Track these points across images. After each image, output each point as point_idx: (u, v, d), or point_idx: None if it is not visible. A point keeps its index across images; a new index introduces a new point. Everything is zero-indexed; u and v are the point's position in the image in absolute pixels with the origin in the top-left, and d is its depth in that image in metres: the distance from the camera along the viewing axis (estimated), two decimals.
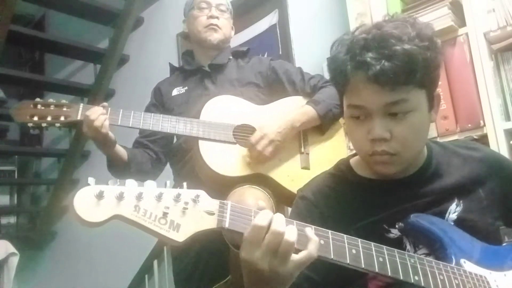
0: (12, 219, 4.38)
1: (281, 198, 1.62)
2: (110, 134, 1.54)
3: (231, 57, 1.85)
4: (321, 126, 1.68)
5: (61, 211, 3.95)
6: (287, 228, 0.75)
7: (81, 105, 1.56)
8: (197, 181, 1.55)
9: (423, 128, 0.94)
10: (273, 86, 1.78)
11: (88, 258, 3.76)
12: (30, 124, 1.53)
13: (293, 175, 1.62)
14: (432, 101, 0.94)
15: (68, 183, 3.88)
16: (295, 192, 1.58)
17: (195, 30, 1.80)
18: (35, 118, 1.52)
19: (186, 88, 1.80)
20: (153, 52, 3.51)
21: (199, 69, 1.82)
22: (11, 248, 2.99)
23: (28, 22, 4.74)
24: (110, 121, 1.53)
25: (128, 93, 3.67)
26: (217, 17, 1.79)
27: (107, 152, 1.62)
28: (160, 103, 1.82)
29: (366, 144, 0.92)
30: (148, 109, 1.82)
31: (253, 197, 1.46)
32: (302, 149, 1.67)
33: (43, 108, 1.54)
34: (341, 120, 1.72)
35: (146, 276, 3.09)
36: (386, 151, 0.90)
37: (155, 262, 3.04)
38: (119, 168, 1.67)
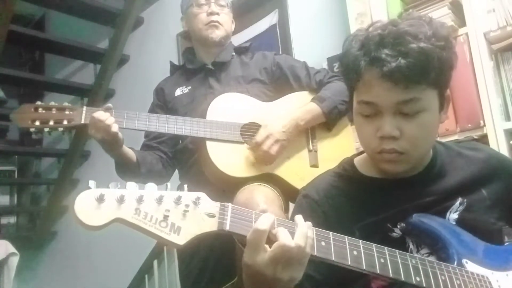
0: (12, 219, 4.37)
1: (291, 196, 1.60)
2: (120, 133, 1.49)
3: (234, 54, 1.82)
4: (327, 123, 1.66)
5: (61, 211, 3.96)
6: (295, 241, 0.74)
7: (84, 108, 1.51)
8: (205, 182, 1.54)
9: (432, 128, 0.93)
10: (279, 82, 1.75)
11: (88, 258, 3.76)
12: (32, 129, 1.48)
13: (303, 174, 1.60)
14: (443, 102, 0.94)
15: (68, 183, 3.88)
16: None
17: (196, 28, 1.76)
18: (37, 123, 1.47)
19: (190, 87, 1.76)
20: (153, 52, 3.51)
21: (203, 67, 1.78)
22: (11, 248, 2.99)
23: (28, 22, 4.74)
24: None
25: (128, 93, 3.67)
26: (217, 13, 1.74)
27: (116, 154, 1.57)
28: (164, 103, 1.79)
29: (374, 141, 0.91)
30: (152, 111, 1.79)
31: (262, 195, 1.44)
32: (310, 147, 1.65)
33: (44, 111, 1.49)
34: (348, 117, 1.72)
35: (146, 276, 3.09)
36: (394, 150, 0.90)
37: (155, 262, 3.04)
38: (128, 170, 1.62)
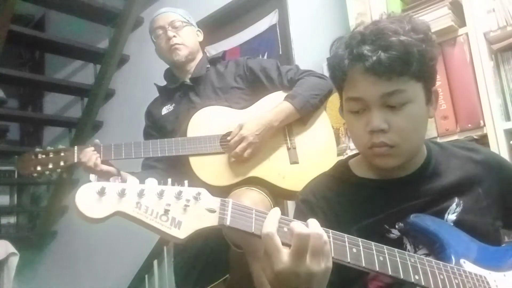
0: (12, 219, 4.37)
1: (278, 196, 1.66)
2: (105, 168, 1.60)
3: (209, 66, 1.89)
4: (302, 118, 1.71)
5: (61, 211, 3.95)
6: (310, 229, 0.75)
7: (76, 147, 1.67)
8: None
9: (420, 120, 0.94)
10: (254, 85, 1.81)
11: (88, 258, 3.76)
12: (35, 174, 1.64)
13: (284, 173, 1.65)
14: (430, 96, 0.95)
15: (68, 183, 3.87)
16: (289, 188, 1.63)
17: (163, 56, 1.88)
18: (39, 168, 1.63)
19: (174, 105, 1.85)
20: (153, 52, 3.49)
21: (182, 84, 1.86)
22: (11, 248, 2.99)
23: (28, 22, 4.74)
24: (104, 157, 1.62)
25: (128, 93, 3.67)
26: (174, 36, 1.82)
27: None
28: (153, 123, 1.89)
29: (365, 136, 0.93)
30: (146, 131, 1.91)
31: (248, 199, 1.49)
32: (289, 145, 1.70)
33: (43, 156, 1.65)
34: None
35: (146, 276, 3.09)
36: (384, 143, 0.91)
37: (155, 262, 3.04)
38: None
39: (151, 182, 0.73)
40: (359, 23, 0.96)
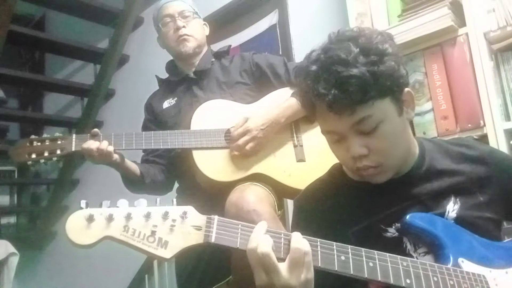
0: (12, 219, 4.38)
1: (282, 193, 1.63)
2: (115, 155, 1.57)
3: (213, 59, 1.85)
4: (309, 116, 1.68)
5: (61, 211, 3.95)
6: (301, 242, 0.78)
7: (74, 135, 1.59)
8: (199, 188, 1.58)
9: (398, 133, 0.93)
10: (260, 81, 1.77)
11: (88, 258, 3.75)
12: (29, 162, 1.57)
13: (290, 170, 1.62)
14: (401, 104, 0.93)
15: (68, 183, 3.87)
16: (295, 187, 1.62)
17: (169, 46, 1.82)
18: (33, 156, 1.57)
19: (176, 98, 1.80)
20: (153, 52, 3.50)
21: (185, 77, 1.82)
22: (11, 248, 2.99)
23: (28, 22, 4.74)
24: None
25: (128, 93, 3.67)
26: (183, 26, 1.77)
27: (119, 169, 1.64)
28: (154, 117, 1.84)
29: (349, 161, 0.94)
30: (145, 125, 1.85)
31: (253, 193, 1.46)
32: (296, 142, 1.67)
33: (39, 144, 1.58)
34: None
35: (146, 276, 3.09)
36: (368, 165, 0.91)
37: (155, 262, 3.04)
38: (133, 182, 1.69)
39: (141, 204, 0.76)
40: (312, 50, 0.97)
